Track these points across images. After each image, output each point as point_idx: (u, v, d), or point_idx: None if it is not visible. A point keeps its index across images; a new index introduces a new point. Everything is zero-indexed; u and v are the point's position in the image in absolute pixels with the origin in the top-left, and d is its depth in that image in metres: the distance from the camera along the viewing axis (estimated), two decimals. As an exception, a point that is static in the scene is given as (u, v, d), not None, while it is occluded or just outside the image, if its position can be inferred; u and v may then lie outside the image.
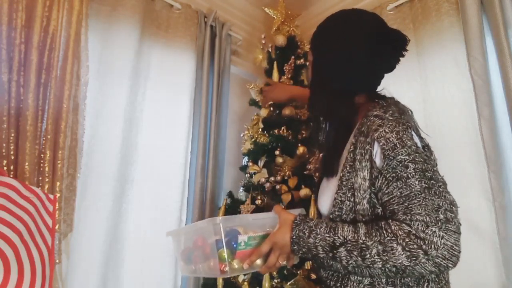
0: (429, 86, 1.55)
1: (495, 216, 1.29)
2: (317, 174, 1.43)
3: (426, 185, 0.68)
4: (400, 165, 0.71)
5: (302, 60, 1.76)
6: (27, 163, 1.15)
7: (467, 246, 1.36)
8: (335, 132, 0.90)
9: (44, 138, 1.22)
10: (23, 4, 1.22)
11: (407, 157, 0.71)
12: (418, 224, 0.65)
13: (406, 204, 0.68)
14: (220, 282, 1.49)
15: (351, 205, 0.77)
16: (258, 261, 0.81)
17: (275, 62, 1.75)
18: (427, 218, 0.65)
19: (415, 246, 0.64)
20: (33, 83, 1.20)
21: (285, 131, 1.59)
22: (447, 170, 0.74)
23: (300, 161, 1.53)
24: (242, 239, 0.80)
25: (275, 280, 1.37)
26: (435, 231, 0.64)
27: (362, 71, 0.83)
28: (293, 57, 1.73)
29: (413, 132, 0.76)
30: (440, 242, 0.64)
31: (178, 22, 1.80)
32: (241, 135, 1.77)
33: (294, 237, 0.77)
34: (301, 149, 1.54)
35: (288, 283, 1.33)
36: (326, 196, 0.84)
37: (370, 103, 0.84)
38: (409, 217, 0.67)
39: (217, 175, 1.79)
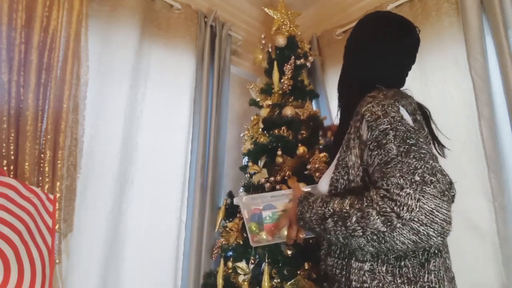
0: (429, 86, 1.55)
1: (495, 216, 1.29)
2: (317, 174, 1.43)
3: (405, 150, 0.66)
4: (382, 134, 0.71)
5: (302, 60, 1.75)
6: (27, 163, 1.15)
7: (467, 246, 1.37)
8: (341, 118, 0.95)
9: (44, 138, 1.22)
10: (23, 4, 1.22)
11: (388, 126, 0.71)
12: (393, 187, 0.63)
13: (384, 170, 0.67)
14: (220, 282, 1.49)
15: (345, 183, 0.79)
16: (285, 232, 0.91)
17: (275, 62, 1.75)
18: (401, 180, 0.63)
19: (388, 209, 0.62)
20: (33, 83, 1.20)
21: (285, 131, 1.59)
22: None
23: (300, 161, 1.53)
24: (266, 214, 0.92)
25: (275, 280, 1.37)
26: (409, 193, 0.61)
27: (370, 61, 0.89)
28: (293, 57, 1.73)
29: (401, 107, 0.76)
30: (416, 204, 0.60)
31: (178, 22, 1.80)
32: (241, 135, 1.77)
33: (298, 213, 0.82)
34: (301, 149, 1.53)
35: (288, 283, 1.33)
36: (326, 178, 0.86)
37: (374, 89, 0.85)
38: (385, 181, 0.65)
39: (217, 175, 1.79)
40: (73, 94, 1.31)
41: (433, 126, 0.90)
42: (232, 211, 1.64)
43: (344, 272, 0.78)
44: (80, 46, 1.36)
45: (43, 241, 1.06)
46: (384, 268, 0.72)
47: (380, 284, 0.71)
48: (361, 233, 0.65)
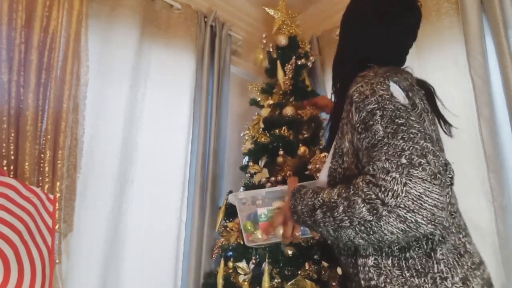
0: (429, 86, 1.55)
1: (495, 216, 1.29)
2: (318, 175, 1.43)
3: (392, 130, 0.61)
4: (369, 114, 0.65)
5: (303, 60, 1.75)
6: (27, 163, 1.15)
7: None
8: (336, 104, 0.89)
9: (44, 138, 1.22)
10: (23, 4, 1.22)
11: (376, 105, 0.65)
12: (379, 172, 0.58)
13: (370, 154, 0.62)
14: (220, 282, 1.49)
15: (342, 172, 0.74)
16: (280, 231, 0.86)
17: (278, 62, 1.74)
18: (387, 164, 0.57)
19: (373, 196, 0.57)
20: (33, 83, 1.20)
21: (286, 131, 1.59)
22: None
23: (301, 161, 1.53)
24: (261, 212, 0.88)
25: (276, 280, 1.37)
26: (395, 177, 0.55)
27: (368, 36, 0.84)
28: (294, 57, 1.73)
29: (392, 83, 0.70)
30: (402, 189, 0.54)
31: (178, 22, 1.80)
32: (242, 134, 1.77)
33: (292, 206, 0.76)
34: (302, 149, 1.54)
35: (289, 283, 1.33)
36: (324, 168, 0.81)
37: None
38: (371, 166, 0.60)
39: (217, 175, 1.79)
40: (73, 94, 1.31)
41: (438, 104, 0.84)
42: (233, 211, 1.64)
43: (355, 271, 0.73)
44: (80, 46, 1.36)
45: (43, 241, 1.06)
46: (389, 262, 0.67)
47: (388, 280, 0.66)
48: (348, 224, 0.60)
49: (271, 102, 1.70)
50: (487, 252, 1.30)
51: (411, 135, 0.60)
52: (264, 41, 1.82)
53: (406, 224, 0.55)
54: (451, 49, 1.51)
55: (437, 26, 1.56)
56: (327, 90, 2.02)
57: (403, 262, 0.66)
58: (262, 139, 1.60)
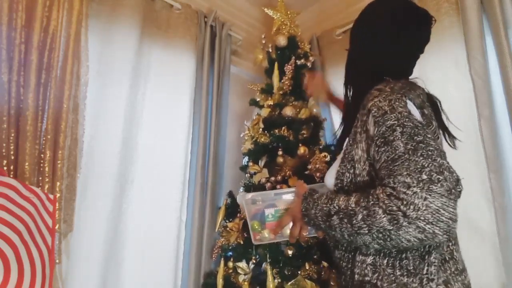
0: (429, 86, 1.54)
1: (495, 216, 1.29)
2: (318, 174, 1.43)
3: (412, 147, 0.66)
4: (389, 130, 0.70)
5: (302, 60, 1.75)
6: (27, 163, 1.15)
7: (467, 246, 1.36)
8: (348, 110, 0.92)
9: (44, 138, 1.22)
10: (23, 4, 1.22)
11: (396, 121, 0.70)
12: (399, 185, 0.63)
13: (391, 167, 0.66)
14: (220, 282, 1.49)
15: (351, 177, 0.78)
16: (288, 231, 0.90)
17: (275, 63, 1.74)
18: (408, 178, 0.62)
19: (394, 208, 0.62)
20: (33, 83, 1.20)
21: (285, 131, 1.59)
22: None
23: (301, 161, 1.53)
24: (269, 212, 0.92)
25: (276, 280, 1.37)
26: (416, 192, 0.61)
27: (384, 48, 0.86)
28: (293, 57, 1.73)
29: (408, 101, 0.75)
30: (422, 203, 0.60)
31: (178, 22, 1.80)
32: (241, 135, 1.77)
33: (303, 209, 0.81)
34: (302, 149, 1.54)
35: (289, 283, 1.33)
36: (332, 171, 0.86)
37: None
38: (392, 179, 0.65)
39: (217, 174, 1.79)
40: (73, 94, 1.31)
41: (443, 116, 0.88)
42: (232, 211, 1.64)
43: (350, 265, 0.79)
44: (80, 46, 1.36)
45: (43, 241, 1.06)
46: (385, 261, 0.72)
47: (380, 277, 0.71)
48: (366, 231, 0.66)
49: (270, 102, 1.70)
50: (487, 252, 1.30)
51: (429, 153, 0.65)
52: (263, 42, 1.82)
53: (424, 234, 0.61)
54: (451, 49, 1.51)
55: (437, 26, 1.54)
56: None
57: (397, 262, 0.71)
58: (262, 139, 1.60)
